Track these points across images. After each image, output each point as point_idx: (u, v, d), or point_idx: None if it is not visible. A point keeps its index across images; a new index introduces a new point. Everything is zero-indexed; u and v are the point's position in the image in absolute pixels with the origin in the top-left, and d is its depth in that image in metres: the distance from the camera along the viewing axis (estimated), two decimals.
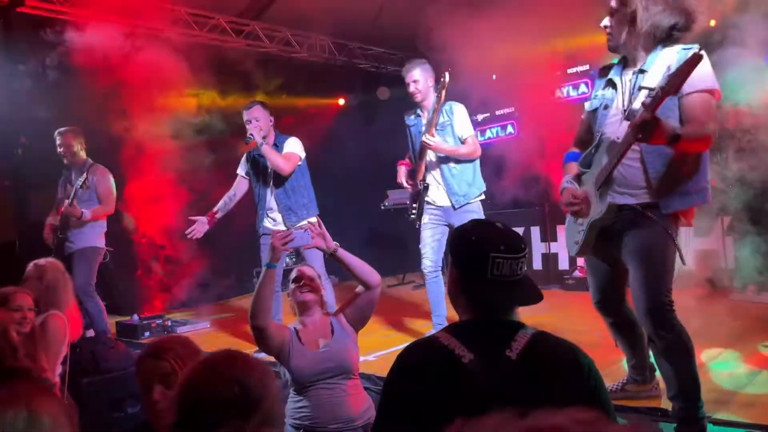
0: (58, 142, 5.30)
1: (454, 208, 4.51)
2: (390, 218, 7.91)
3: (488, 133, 9.02)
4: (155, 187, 5.91)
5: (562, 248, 7.02)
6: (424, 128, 4.56)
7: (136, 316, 5.71)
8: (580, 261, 6.70)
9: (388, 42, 8.71)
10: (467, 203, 4.52)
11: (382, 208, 7.95)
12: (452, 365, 1.59)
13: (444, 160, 4.55)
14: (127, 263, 6.14)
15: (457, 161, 4.53)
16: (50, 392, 1.69)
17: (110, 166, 5.42)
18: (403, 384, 1.66)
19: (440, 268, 4.61)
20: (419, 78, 4.55)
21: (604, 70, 2.88)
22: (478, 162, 4.63)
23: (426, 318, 5.29)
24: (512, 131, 8.78)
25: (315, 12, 7.53)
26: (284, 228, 4.81)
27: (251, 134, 4.62)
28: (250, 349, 4.79)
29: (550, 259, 7.07)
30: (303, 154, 4.88)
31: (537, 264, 7.17)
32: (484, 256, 1.65)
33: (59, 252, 5.19)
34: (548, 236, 7.10)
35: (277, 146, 4.79)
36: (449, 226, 4.56)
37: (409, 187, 4.75)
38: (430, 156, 4.59)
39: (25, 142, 5.71)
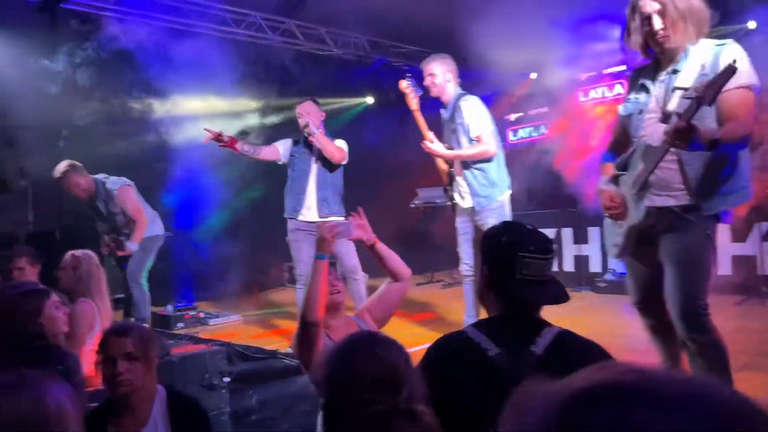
0: (63, 186, 5.17)
1: (477, 211, 4.40)
2: (419, 216, 7.93)
3: (521, 133, 8.98)
4: (192, 185, 6.00)
5: (594, 250, 6.95)
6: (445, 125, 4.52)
7: (170, 307, 5.82)
8: (612, 264, 6.64)
9: (421, 40, 8.72)
10: (489, 205, 4.37)
11: (412, 206, 7.97)
12: (478, 358, 1.66)
13: (465, 161, 4.42)
14: (162, 255, 6.27)
15: (476, 162, 4.38)
16: (59, 380, 1.76)
17: (150, 161, 5.51)
18: (430, 376, 1.70)
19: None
20: (436, 72, 4.43)
21: (638, 72, 2.84)
22: (500, 158, 4.45)
23: (454, 316, 5.32)
24: (545, 131, 8.73)
25: (349, 9, 7.61)
26: (315, 220, 4.91)
27: (308, 122, 4.74)
28: (277, 343, 4.87)
29: (581, 261, 7.01)
30: (347, 156, 4.99)
31: (568, 266, 7.11)
32: (513, 256, 1.72)
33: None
34: (580, 238, 7.03)
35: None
36: (477, 227, 4.47)
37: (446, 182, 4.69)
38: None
39: (66, 134, 5.86)
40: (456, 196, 4.56)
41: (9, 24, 5.63)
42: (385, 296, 2.88)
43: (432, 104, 4.54)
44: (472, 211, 4.45)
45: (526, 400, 0.64)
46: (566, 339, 1.71)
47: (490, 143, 4.31)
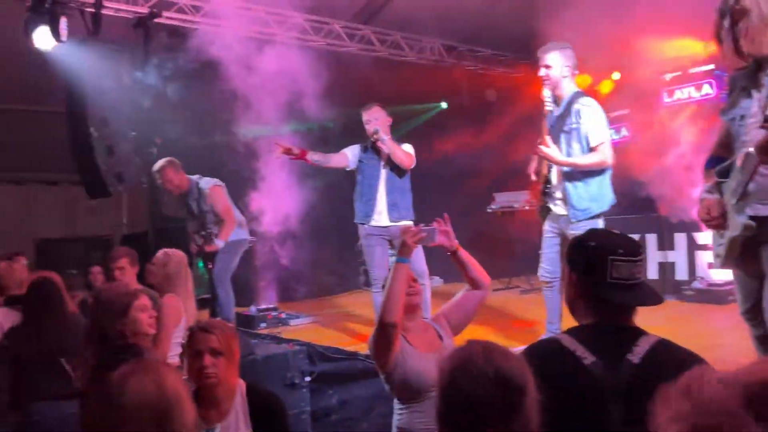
0: (158, 179, 5.46)
1: (571, 222, 4.11)
2: (496, 221, 7.86)
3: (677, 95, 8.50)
4: (276, 188, 6.21)
5: (679, 257, 6.68)
6: (554, 123, 4.18)
7: (253, 308, 6.04)
8: (700, 272, 6.37)
9: (497, 43, 8.66)
10: (585, 219, 4.05)
11: (489, 211, 7.91)
12: (574, 366, 1.65)
13: (567, 169, 4.12)
14: (246, 257, 6.51)
15: (583, 172, 4.06)
16: (173, 367, 1.89)
17: (237, 168, 5.74)
18: None
19: (558, 278, 4.29)
20: (553, 63, 4.09)
21: (739, 75, 2.72)
22: (608, 174, 4.14)
23: (533, 323, 5.25)
24: (626, 133, 8.45)
25: (425, 14, 7.66)
26: (386, 225, 4.98)
27: (378, 128, 4.82)
28: (355, 345, 4.96)
29: (666, 268, 6.74)
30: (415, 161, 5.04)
31: (652, 273, 6.85)
32: (603, 260, 1.71)
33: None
34: (665, 244, 6.77)
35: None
36: (566, 236, 4.21)
37: (534, 177, 4.42)
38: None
39: (160, 142, 6.19)
40: (549, 200, 4.30)
41: (108, 40, 6.01)
42: (463, 303, 2.87)
43: None
44: (566, 220, 4.17)
45: (697, 384, 0.66)
46: (664, 348, 1.68)
47: (608, 155, 4.03)
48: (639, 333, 1.71)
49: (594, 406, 1.61)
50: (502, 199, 7.70)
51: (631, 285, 1.72)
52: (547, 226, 4.35)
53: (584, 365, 1.64)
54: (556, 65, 4.10)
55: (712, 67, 7.31)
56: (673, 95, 7.90)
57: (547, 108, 4.18)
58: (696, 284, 6.26)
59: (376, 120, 4.93)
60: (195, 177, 5.56)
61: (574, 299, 1.84)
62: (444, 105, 9.47)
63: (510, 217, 7.97)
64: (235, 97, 5.73)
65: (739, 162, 2.57)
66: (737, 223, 2.57)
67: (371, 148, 5.09)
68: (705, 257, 6.29)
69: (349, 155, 5.14)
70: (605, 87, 8.36)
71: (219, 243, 5.34)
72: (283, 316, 5.96)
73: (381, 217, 5.01)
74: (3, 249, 8.81)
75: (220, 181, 5.57)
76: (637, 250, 1.75)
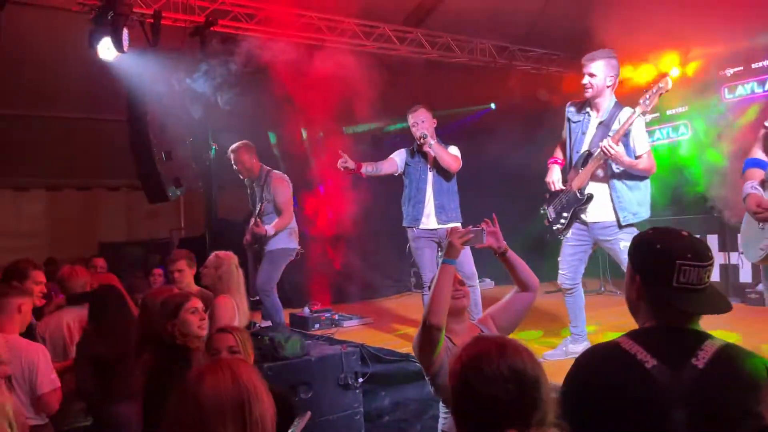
0: (232, 159, 5.65)
1: (620, 226, 4.07)
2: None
3: (658, 134, 8.49)
4: (330, 191, 6.29)
5: (744, 259, 6.43)
6: (594, 129, 4.20)
7: (307, 309, 6.12)
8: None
9: (549, 43, 8.55)
10: (632, 224, 4.07)
11: (541, 212, 7.77)
12: (635, 370, 1.60)
13: (616, 173, 4.11)
14: (301, 258, 6.60)
15: (631, 177, 4.09)
16: (245, 361, 1.95)
17: (290, 173, 5.84)
18: (584, 386, 1.68)
19: (578, 283, 4.34)
20: (598, 72, 4.09)
21: None
22: (649, 183, 4.19)
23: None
24: (685, 132, 8.20)
25: (475, 15, 7.63)
26: (435, 227, 5.00)
27: (425, 132, 4.84)
28: (407, 347, 4.96)
29: (729, 270, 6.50)
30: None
31: (714, 275, 6.55)
32: (670, 264, 1.65)
33: (258, 251, 5.69)
34: (727, 245, 6.53)
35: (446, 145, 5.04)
36: (595, 244, 4.23)
37: (556, 189, 4.38)
38: (600, 167, 4.16)
39: (216, 147, 6.37)
40: (564, 209, 4.30)
41: (166, 49, 6.22)
42: (512, 305, 2.84)
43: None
44: (601, 226, 4.16)
45: None
46: (731, 353, 1.62)
47: (653, 163, 4.10)
48: (704, 337, 1.65)
49: (656, 411, 1.57)
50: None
51: (699, 290, 1.67)
52: (570, 233, 4.32)
53: (646, 369, 1.59)
54: (601, 74, 4.10)
55: None
56: (735, 92, 7.63)
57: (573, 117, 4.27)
58: (760, 287, 6.01)
59: (422, 122, 4.95)
60: (266, 167, 5.76)
61: (635, 300, 1.78)
62: (493, 106, 9.36)
63: None
64: (288, 102, 5.84)
65: None
66: None
67: (418, 151, 5.11)
68: None
69: (397, 160, 5.21)
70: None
71: (269, 229, 5.46)
72: (336, 317, 6.02)
73: (429, 220, 5.04)
74: (69, 251, 9.29)
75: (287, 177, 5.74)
76: (705, 254, 1.69)
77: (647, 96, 3.92)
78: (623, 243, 3.96)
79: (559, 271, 4.40)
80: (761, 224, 2.67)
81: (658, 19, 5.79)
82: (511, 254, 2.82)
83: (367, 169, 5.12)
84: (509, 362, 1.41)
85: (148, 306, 2.92)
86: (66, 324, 3.96)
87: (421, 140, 4.92)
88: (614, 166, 4.11)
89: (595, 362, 1.74)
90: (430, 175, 5.06)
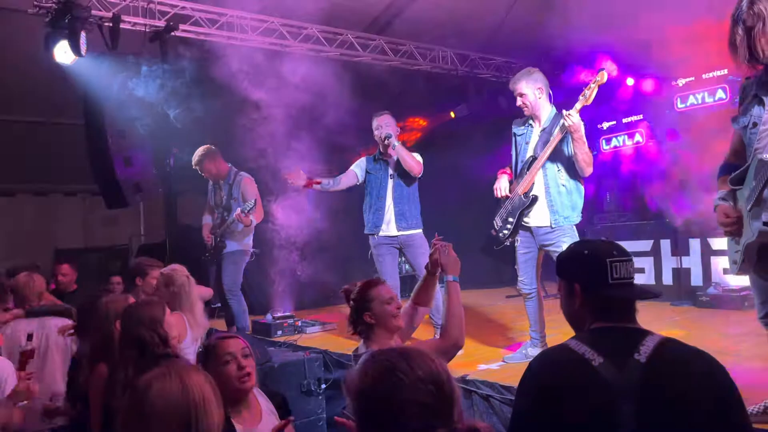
0: (198, 169, 5.81)
1: (552, 227, 4.21)
2: None
3: (614, 142, 8.70)
4: (292, 198, 6.29)
5: (694, 263, 6.65)
6: (536, 137, 4.33)
7: (269, 316, 6.10)
8: (717, 278, 6.33)
9: (509, 51, 8.70)
10: (566, 225, 4.21)
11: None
12: (583, 368, 1.69)
13: (552, 178, 4.24)
14: (261, 266, 6.57)
15: (567, 181, 4.22)
16: (198, 369, 1.94)
17: (256, 177, 5.88)
18: (537, 388, 1.75)
19: (535, 288, 4.44)
20: (526, 91, 4.27)
21: (750, 83, 2.73)
22: (583, 189, 4.32)
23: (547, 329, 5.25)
24: (640, 140, 8.45)
25: (438, 24, 7.72)
26: (395, 234, 5.09)
27: (390, 133, 4.94)
28: None
29: (681, 274, 6.71)
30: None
31: (667, 279, 6.82)
32: (602, 263, 1.81)
33: (215, 252, 5.76)
34: (679, 249, 6.74)
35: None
36: (540, 248, 4.34)
37: (502, 195, 4.47)
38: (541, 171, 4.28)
39: (176, 152, 6.31)
40: (511, 216, 4.40)
41: (125, 53, 6.14)
42: (413, 318, 2.97)
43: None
44: (537, 232, 4.29)
45: None
46: (671, 346, 1.72)
47: (591, 163, 4.20)
48: (644, 333, 1.76)
49: (605, 406, 1.65)
50: None
51: (630, 283, 1.84)
52: (518, 239, 4.43)
53: (593, 366, 1.68)
54: (528, 91, 4.29)
55: (725, 71, 7.29)
56: (687, 101, 7.89)
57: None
58: (711, 290, 6.22)
59: (387, 126, 5.04)
60: (234, 168, 5.94)
61: (577, 309, 1.89)
62: (452, 114, 9.43)
63: None
64: (249, 108, 5.83)
65: (752, 169, 2.59)
66: (753, 229, 2.59)
67: (380, 158, 5.15)
68: (720, 263, 6.26)
69: (357, 171, 5.28)
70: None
71: (252, 219, 5.60)
72: (299, 324, 6.02)
73: (389, 227, 5.11)
74: (23, 257, 9.05)
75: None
76: (625, 251, 1.87)
77: (585, 91, 4.04)
78: (565, 245, 4.05)
79: (518, 278, 4.50)
80: (733, 237, 2.77)
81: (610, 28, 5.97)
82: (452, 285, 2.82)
83: (323, 183, 5.17)
84: (421, 366, 1.40)
85: (137, 313, 2.86)
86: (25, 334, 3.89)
87: (386, 141, 4.97)
88: (550, 171, 4.23)
89: (547, 364, 1.83)
90: (390, 182, 5.12)
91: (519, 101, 4.35)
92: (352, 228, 5.55)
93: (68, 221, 10.58)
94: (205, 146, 5.91)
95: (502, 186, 4.48)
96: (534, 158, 4.29)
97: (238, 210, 5.56)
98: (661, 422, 1.59)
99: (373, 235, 5.17)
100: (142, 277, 4.25)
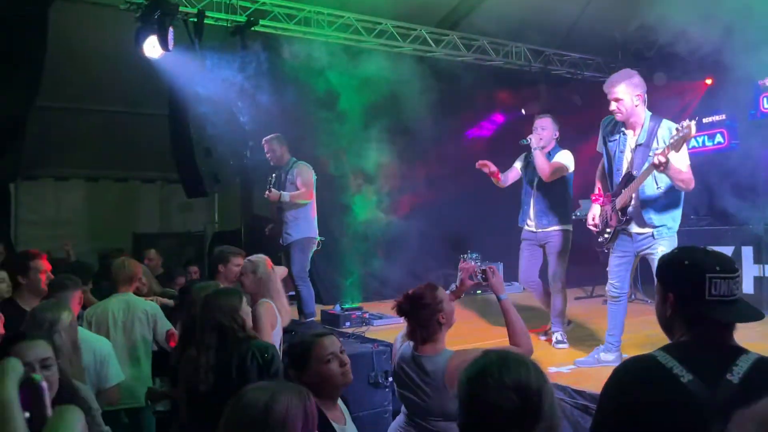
0: (265, 148, 5.98)
1: (653, 236, 4.11)
2: (581, 228, 7.68)
3: (693, 143, 8.35)
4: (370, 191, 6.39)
5: None
6: (632, 149, 4.15)
7: (338, 306, 6.21)
8: None
9: (585, 47, 8.52)
10: (664, 233, 4.11)
11: (573, 218, 7.76)
12: (671, 384, 1.65)
13: (651, 186, 4.09)
14: (331, 256, 6.68)
15: (667, 191, 4.06)
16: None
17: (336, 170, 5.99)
18: (619, 399, 1.72)
19: (625, 293, 4.35)
20: (623, 96, 4.04)
21: None
22: (681, 197, 4.15)
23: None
24: (722, 141, 8.11)
25: (512, 19, 7.63)
26: (534, 230, 5.27)
27: (530, 138, 5.08)
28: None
29: (764, 282, 6.42)
30: (571, 168, 5.16)
31: (748, 288, 6.53)
32: (701, 278, 1.72)
33: (280, 243, 5.92)
34: (763, 257, 6.45)
35: (550, 155, 5.16)
36: (636, 253, 4.24)
37: (592, 227, 4.44)
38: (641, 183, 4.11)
39: (252, 145, 6.49)
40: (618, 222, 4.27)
41: (207, 46, 6.36)
42: None
43: None
44: (643, 237, 4.17)
45: None
46: (766, 367, 1.66)
47: (692, 177, 3.95)
48: (739, 351, 1.69)
49: (690, 425, 1.61)
50: (588, 206, 7.52)
51: (731, 301, 1.73)
52: (618, 246, 4.31)
53: (682, 383, 1.64)
54: (626, 96, 4.04)
55: None
56: None
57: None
58: None
59: (542, 129, 5.12)
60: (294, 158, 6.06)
61: (670, 317, 1.83)
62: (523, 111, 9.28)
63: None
64: (326, 102, 5.94)
65: None
66: None
67: (530, 158, 5.27)
68: None
69: (518, 166, 5.47)
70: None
71: (284, 195, 5.72)
72: (367, 315, 6.10)
73: (532, 223, 5.28)
74: (104, 241, 9.54)
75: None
76: (732, 267, 1.75)
77: (671, 141, 3.71)
78: (661, 250, 3.95)
79: (609, 280, 4.38)
80: None
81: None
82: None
83: (503, 178, 5.38)
84: (512, 374, 1.47)
85: (217, 300, 2.99)
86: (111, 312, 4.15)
87: (521, 142, 5.15)
88: (649, 183, 4.07)
89: (633, 375, 1.78)
90: (536, 180, 5.24)
91: (614, 106, 4.10)
92: (427, 223, 5.56)
93: (146, 207, 11.05)
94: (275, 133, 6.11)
95: (595, 215, 4.44)
96: (631, 175, 4.12)
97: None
98: None
99: (522, 228, 5.42)
100: (224, 264, 4.33)
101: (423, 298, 2.78)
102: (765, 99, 7.47)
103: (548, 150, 5.16)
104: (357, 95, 5.87)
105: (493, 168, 5.22)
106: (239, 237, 7.12)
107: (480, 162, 5.23)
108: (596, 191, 4.54)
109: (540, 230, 5.25)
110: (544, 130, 5.13)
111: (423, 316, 2.76)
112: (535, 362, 1.56)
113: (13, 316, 3.28)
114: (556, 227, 5.21)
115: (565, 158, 5.14)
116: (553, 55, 8.48)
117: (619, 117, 4.14)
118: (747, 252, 6.62)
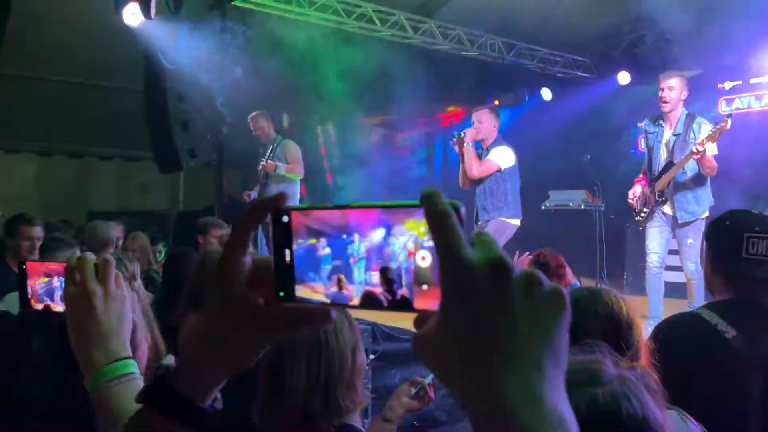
0: (252, 126, 6.01)
1: (678, 223, 4.61)
2: (549, 219, 7.85)
3: (737, 103, 7.55)
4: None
5: None
6: (670, 140, 4.64)
7: None
8: None
9: (554, 44, 8.69)
10: (692, 221, 4.57)
11: (543, 208, 7.93)
12: (715, 340, 1.72)
13: (683, 177, 4.61)
14: None
15: (694, 180, 4.60)
16: None
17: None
18: (663, 354, 1.79)
19: (663, 266, 4.73)
20: (676, 86, 4.55)
21: None
22: (709, 183, 4.67)
23: None
24: None
25: (487, 10, 7.72)
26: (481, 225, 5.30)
27: (464, 132, 5.12)
28: None
29: None
30: (508, 163, 5.18)
31: None
32: (739, 236, 1.80)
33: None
34: None
35: (488, 151, 5.22)
36: (671, 231, 4.74)
37: (631, 202, 4.92)
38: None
39: (231, 121, 6.36)
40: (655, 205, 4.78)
41: (186, 19, 6.17)
42: None
43: None
44: (672, 220, 4.68)
45: None
46: None
47: (716, 166, 4.49)
48: None
49: (734, 379, 1.68)
50: (557, 198, 7.69)
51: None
52: (655, 222, 4.76)
53: (726, 339, 1.71)
54: (677, 88, 4.55)
55: None
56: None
57: None
58: None
59: (479, 123, 5.15)
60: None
61: (711, 276, 1.92)
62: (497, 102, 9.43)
63: (564, 215, 7.89)
64: (304, 85, 5.91)
65: None
66: None
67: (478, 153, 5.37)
68: None
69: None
70: None
71: (280, 166, 5.78)
72: None
73: (479, 219, 5.34)
74: (57, 217, 9.10)
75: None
76: None
77: (711, 130, 4.31)
78: (690, 240, 4.49)
79: (651, 253, 4.72)
80: None
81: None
82: None
83: None
84: (603, 304, 1.54)
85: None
86: None
87: (455, 135, 5.22)
88: (681, 174, 4.58)
89: (677, 334, 1.85)
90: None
91: (665, 93, 4.54)
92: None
93: (103, 185, 10.64)
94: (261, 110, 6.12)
95: (634, 193, 4.90)
96: (672, 163, 4.59)
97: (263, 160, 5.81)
98: None
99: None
100: (204, 235, 4.42)
101: None
102: (724, 102, 7.75)
103: (488, 144, 5.24)
104: (334, 75, 5.88)
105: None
106: (213, 215, 6.95)
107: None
108: (639, 178, 5.03)
109: (482, 223, 5.33)
110: (481, 123, 5.17)
111: None
112: (623, 298, 1.60)
113: None
114: (493, 220, 5.25)
115: (501, 154, 5.17)
116: (525, 50, 8.62)
117: (665, 106, 4.59)
118: None
